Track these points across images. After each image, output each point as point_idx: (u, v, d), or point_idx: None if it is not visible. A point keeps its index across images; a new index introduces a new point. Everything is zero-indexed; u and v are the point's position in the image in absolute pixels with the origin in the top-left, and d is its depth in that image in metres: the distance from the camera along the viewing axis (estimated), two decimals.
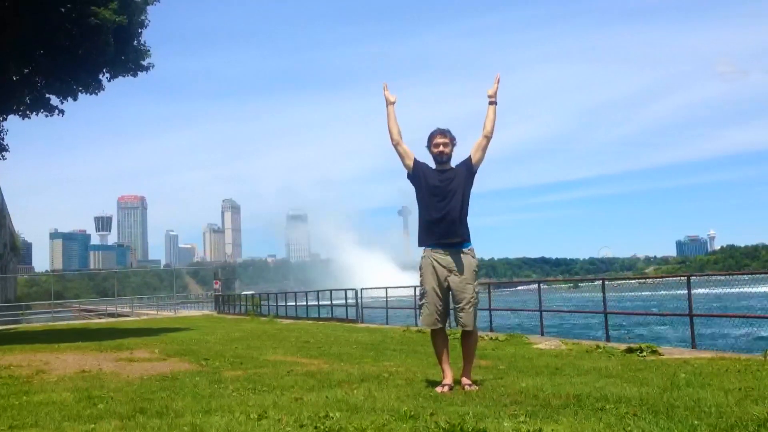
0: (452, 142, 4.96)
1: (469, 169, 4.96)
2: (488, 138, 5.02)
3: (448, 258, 4.80)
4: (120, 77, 17.29)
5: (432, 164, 5.01)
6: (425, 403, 4.01)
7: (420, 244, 4.97)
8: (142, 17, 16.46)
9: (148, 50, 17.08)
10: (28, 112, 17.71)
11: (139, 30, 16.60)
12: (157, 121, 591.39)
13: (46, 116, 17.91)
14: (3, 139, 18.67)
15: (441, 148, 4.92)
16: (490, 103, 5.03)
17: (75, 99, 17.59)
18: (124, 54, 16.41)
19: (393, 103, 5.13)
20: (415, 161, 5.02)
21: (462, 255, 4.82)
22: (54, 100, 17.77)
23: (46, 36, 14.91)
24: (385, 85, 5.19)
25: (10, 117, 18.03)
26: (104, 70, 16.92)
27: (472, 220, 5.04)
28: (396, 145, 5.08)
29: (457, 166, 5.00)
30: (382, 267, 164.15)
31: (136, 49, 16.77)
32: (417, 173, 4.98)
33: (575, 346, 8.65)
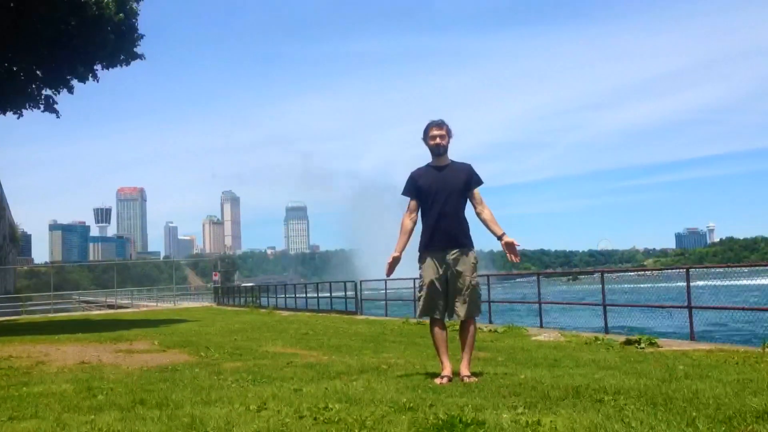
0: (448, 134, 4.93)
1: (472, 180, 4.91)
2: (478, 211, 4.94)
3: (448, 252, 4.80)
4: (116, 67, 17.25)
5: (426, 160, 5.01)
6: (424, 395, 4.01)
7: (420, 251, 4.92)
8: (136, 7, 16.42)
9: (143, 36, 17.04)
10: (22, 109, 17.61)
11: (133, 21, 16.55)
12: (156, 111, 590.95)
13: (42, 112, 17.84)
14: None
15: (437, 140, 4.89)
16: (501, 236, 4.87)
17: (71, 92, 17.53)
18: (119, 44, 16.36)
19: (398, 257, 4.97)
20: (411, 192, 4.96)
21: (461, 249, 4.82)
22: (52, 94, 17.69)
23: (43, 27, 14.83)
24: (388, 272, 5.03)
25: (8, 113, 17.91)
26: (100, 63, 16.86)
27: (472, 214, 5.02)
28: (414, 218, 5.01)
29: (461, 164, 4.97)
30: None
31: (130, 39, 16.72)
32: (418, 192, 4.93)
33: (574, 338, 8.67)
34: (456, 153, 4.97)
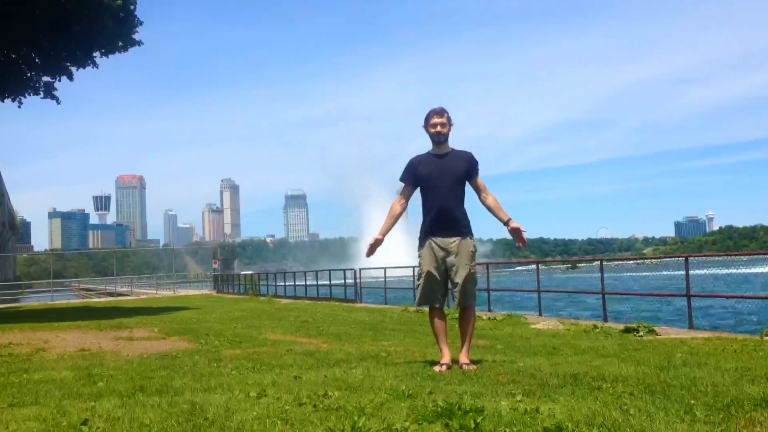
0: (449, 122, 4.92)
1: (472, 169, 4.90)
2: (482, 198, 4.91)
3: (447, 240, 4.81)
4: (114, 54, 17.16)
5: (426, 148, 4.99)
6: (423, 383, 4.02)
7: (420, 239, 4.90)
8: None
9: (141, 22, 16.91)
10: (21, 97, 17.53)
11: (132, 7, 16.44)
12: (155, 99, 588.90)
13: (42, 98, 17.78)
14: None
15: (438, 128, 4.87)
16: (507, 221, 4.84)
17: (70, 79, 17.45)
18: (118, 31, 16.26)
19: (380, 239, 4.97)
20: (407, 179, 4.94)
21: (460, 237, 4.82)
22: (51, 81, 17.61)
23: (41, 13, 14.73)
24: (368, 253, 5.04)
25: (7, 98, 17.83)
26: (99, 50, 16.77)
27: (473, 206, 5.01)
28: (404, 204, 5.01)
29: (461, 152, 4.95)
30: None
31: (129, 25, 16.62)
32: (415, 179, 4.92)
33: (573, 326, 8.69)
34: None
